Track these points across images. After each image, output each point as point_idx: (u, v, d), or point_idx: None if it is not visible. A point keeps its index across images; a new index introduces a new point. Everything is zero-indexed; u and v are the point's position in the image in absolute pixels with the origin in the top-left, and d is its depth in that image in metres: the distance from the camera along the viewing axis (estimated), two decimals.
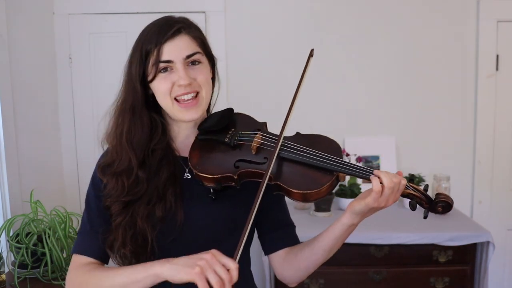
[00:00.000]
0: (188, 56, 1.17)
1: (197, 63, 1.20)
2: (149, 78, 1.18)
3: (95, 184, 1.26)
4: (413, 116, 3.01)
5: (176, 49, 1.17)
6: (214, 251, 1.02)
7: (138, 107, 1.21)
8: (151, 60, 1.17)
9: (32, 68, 2.63)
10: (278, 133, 1.20)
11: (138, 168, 1.19)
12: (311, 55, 1.27)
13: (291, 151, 1.16)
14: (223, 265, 0.99)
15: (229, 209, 1.23)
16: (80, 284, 1.17)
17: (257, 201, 1.07)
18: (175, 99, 1.18)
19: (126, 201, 1.18)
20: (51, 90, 2.86)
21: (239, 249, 1.02)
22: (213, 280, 0.97)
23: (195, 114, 1.20)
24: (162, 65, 1.16)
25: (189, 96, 1.18)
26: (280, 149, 1.17)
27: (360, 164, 2.95)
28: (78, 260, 1.22)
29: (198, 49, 1.20)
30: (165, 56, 1.16)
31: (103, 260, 1.24)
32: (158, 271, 1.05)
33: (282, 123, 1.20)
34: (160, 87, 1.18)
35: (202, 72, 1.20)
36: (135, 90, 1.20)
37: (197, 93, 1.19)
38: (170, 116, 1.24)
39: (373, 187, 1.08)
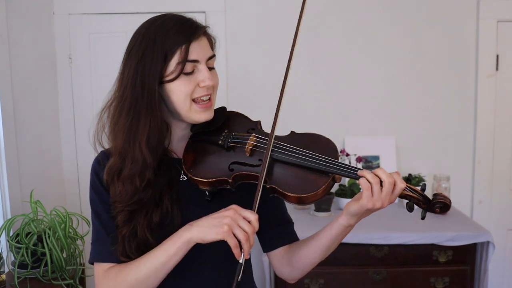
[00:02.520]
0: (210, 58, 1.18)
1: (212, 68, 1.21)
2: (169, 77, 1.13)
3: (96, 188, 1.24)
4: (413, 116, 3.01)
5: (201, 49, 1.16)
6: (234, 206, 1.08)
7: (155, 106, 1.14)
8: (175, 59, 1.12)
9: (32, 68, 2.63)
10: (272, 134, 1.18)
11: (152, 170, 1.16)
12: None
13: (285, 153, 1.14)
14: (245, 218, 1.05)
15: None
16: (116, 287, 1.15)
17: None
18: (193, 100, 1.17)
19: (131, 210, 1.16)
20: (51, 90, 2.86)
21: (256, 201, 1.08)
22: (240, 235, 1.03)
23: (210, 114, 1.20)
24: (189, 64, 1.13)
25: (207, 97, 1.18)
26: (274, 152, 1.15)
27: (360, 165, 2.95)
28: (102, 268, 1.19)
29: (213, 52, 1.21)
30: (193, 55, 1.14)
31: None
32: (188, 237, 1.08)
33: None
34: (183, 89, 1.14)
35: (216, 77, 1.22)
36: (151, 88, 1.13)
37: (210, 96, 1.20)
38: (177, 117, 1.20)
39: (362, 186, 1.08)
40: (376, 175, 1.08)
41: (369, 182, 1.07)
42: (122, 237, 1.17)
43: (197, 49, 1.15)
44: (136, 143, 1.15)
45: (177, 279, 1.20)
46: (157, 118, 1.15)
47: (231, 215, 1.05)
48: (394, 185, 1.08)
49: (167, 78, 1.14)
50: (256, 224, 1.05)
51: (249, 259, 1.36)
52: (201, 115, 1.18)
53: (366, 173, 1.08)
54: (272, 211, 1.32)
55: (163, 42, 1.12)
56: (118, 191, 1.16)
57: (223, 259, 1.22)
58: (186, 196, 1.22)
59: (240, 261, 1.04)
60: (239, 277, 1.04)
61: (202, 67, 1.16)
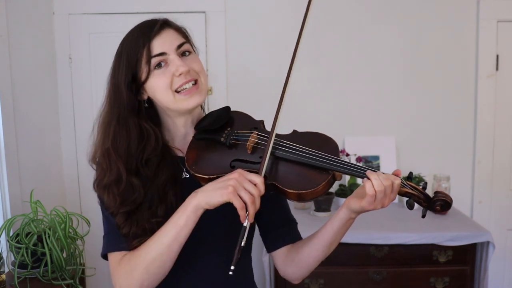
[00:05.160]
0: (179, 46, 1.18)
1: (187, 53, 1.20)
2: (143, 78, 1.16)
3: None
4: (413, 116, 3.01)
5: (165, 41, 1.17)
6: (239, 170, 1.09)
7: (124, 114, 1.18)
8: (143, 60, 1.15)
9: (32, 68, 2.63)
10: (273, 128, 1.19)
11: (128, 175, 1.17)
12: None
13: (286, 150, 1.15)
14: (250, 181, 1.05)
15: (227, 208, 1.23)
16: (131, 271, 1.13)
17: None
18: (176, 91, 1.17)
19: (126, 211, 1.17)
20: (51, 90, 2.86)
21: (262, 169, 1.07)
22: (246, 197, 1.04)
23: (199, 98, 1.20)
24: (155, 59, 1.15)
25: (190, 84, 1.18)
26: (275, 148, 1.16)
27: (360, 165, 2.95)
28: (115, 258, 1.19)
29: (184, 40, 1.21)
30: (156, 50, 1.15)
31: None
32: (195, 203, 1.08)
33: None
34: (159, 83, 1.16)
35: (195, 61, 1.22)
36: (121, 97, 1.18)
37: (196, 80, 1.19)
38: (170, 112, 1.22)
39: (366, 190, 1.08)
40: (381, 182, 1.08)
41: (374, 189, 1.07)
42: (125, 235, 1.17)
43: (160, 43, 1.16)
44: (109, 152, 1.18)
45: (174, 275, 1.21)
46: (129, 128, 1.18)
47: (236, 177, 1.05)
48: (392, 185, 1.09)
49: (142, 79, 1.17)
50: (261, 187, 1.05)
51: (250, 259, 1.36)
52: (189, 102, 1.19)
53: (374, 178, 1.08)
54: (276, 211, 1.33)
55: (127, 51, 1.17)
56: (105, 200, 1.19)
57: (220, 254, 1.24)
58: (189, 194, 1.22)
59: (245, 224, 1.04)
60: (243, 241, 1.03)
61: (172, 57, 1.17)
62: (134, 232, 1.16)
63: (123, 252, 1.18)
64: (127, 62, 1.16)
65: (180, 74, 1.16)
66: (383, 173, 1.10)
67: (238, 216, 1.08)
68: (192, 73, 1.18)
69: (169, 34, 1.19)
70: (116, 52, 1.21)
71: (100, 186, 1.20)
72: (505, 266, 3.07)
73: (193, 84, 1.19)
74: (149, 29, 1.17)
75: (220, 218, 1.22)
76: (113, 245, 1.20)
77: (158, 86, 1.17)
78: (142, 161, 1.19)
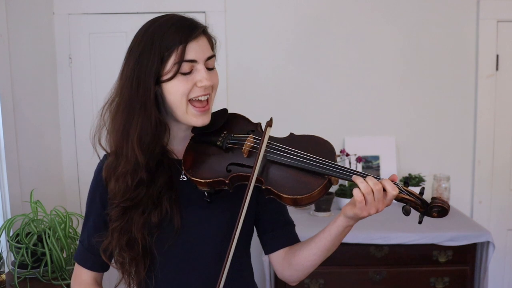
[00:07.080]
0: (209, 58, 1.17)
1: (212, 68, 1.19)
2: (166, 77, 1.12)
3: (92, 193, 1.26)
4: (413, 116, 3.01)
5: (200, 49, 1.15)
6: None
7: (149, 105, 1.14)
8: (172, 59, 1.11)
9: (32, 68, 2.63)
10: (274, 134, 1.18)
11: (144, 169, 1.15)
12: (268, 125, 1.18)
13: (281, 155, 1.14)
14: None
15: (224, 212, 1.22)
16: None
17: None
18: (190, 99, 1.15)
19: (125, 206, 1.17)
20: (51, 90, 2.86)
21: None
22: None
23: (207, 119, 1.19)
24: (186, 65, 1.12)
25: (206, 97, 1.17)
26: (269, 153, 1.15)
27: (360, 165, 2.94)
28: (80, 273, 1.29)
29: (213, 52, 1.20)
30: (190, 55, 1.12)
31: (102, 270, 1.30)
32: None
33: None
34: (180, 88, 1.13)
35: (215, 76, 1.21)
36: (146, 87, 1.12)
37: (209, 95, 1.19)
38: (175, 118, 1.19)
39: (354, 196, 1.07)
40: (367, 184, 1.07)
41: (362, 193, 1.07)
42: (112, 230, 1.18)
43: (195, 49, 1.14)
44: (129, 142, 1.15)
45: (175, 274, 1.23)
46: (151, 118, 1.14)
47: None
48: (385, 190, 1.08)
49: (164, 78, 1.13)
50: None
51: (249, 257, 1.36)
52: (198, 119, 1.17)
53: (359, 182, 1.07)
54: (273, 212, 1.32)
55: (160, 42, 1.12)
56: (113, 188, 1.18)
57: (213, 258, 1.24)
58: (186, 197, 1.22)
59: None
60: None
61: (200, 67, 1.15)
62: (121, 227, 1.17)
63: (88, 272, 1.28)
64: (159, 52, 1.11)
65: (201, 86, 1.14)
66: (375, 178, 1.09)
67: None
68: (209, 88, 1.17)
69: (204, 43, 1.17)
70: (144, 34, 1.14)
71: (114, 172, 1.18)
72: (505, 266, 3.07)
73: (206, 100, 1.17)
74: (188, 30, 1.13)
75: (213, 225, 1.23)
76: (80, 258, 1.29)
77: (177, 90, 1.13)
78: (153, 152, 1.17)
